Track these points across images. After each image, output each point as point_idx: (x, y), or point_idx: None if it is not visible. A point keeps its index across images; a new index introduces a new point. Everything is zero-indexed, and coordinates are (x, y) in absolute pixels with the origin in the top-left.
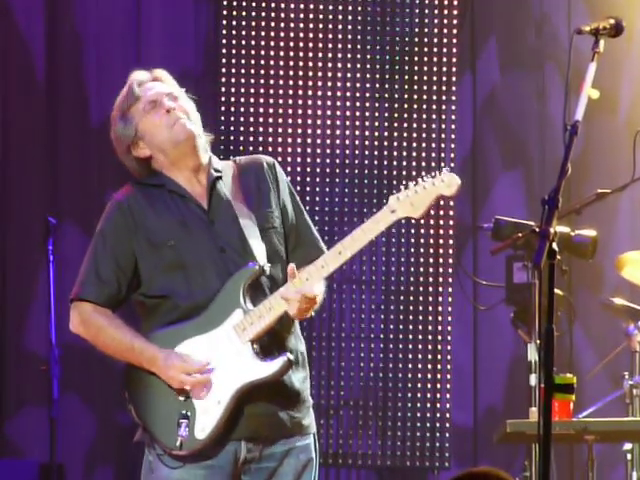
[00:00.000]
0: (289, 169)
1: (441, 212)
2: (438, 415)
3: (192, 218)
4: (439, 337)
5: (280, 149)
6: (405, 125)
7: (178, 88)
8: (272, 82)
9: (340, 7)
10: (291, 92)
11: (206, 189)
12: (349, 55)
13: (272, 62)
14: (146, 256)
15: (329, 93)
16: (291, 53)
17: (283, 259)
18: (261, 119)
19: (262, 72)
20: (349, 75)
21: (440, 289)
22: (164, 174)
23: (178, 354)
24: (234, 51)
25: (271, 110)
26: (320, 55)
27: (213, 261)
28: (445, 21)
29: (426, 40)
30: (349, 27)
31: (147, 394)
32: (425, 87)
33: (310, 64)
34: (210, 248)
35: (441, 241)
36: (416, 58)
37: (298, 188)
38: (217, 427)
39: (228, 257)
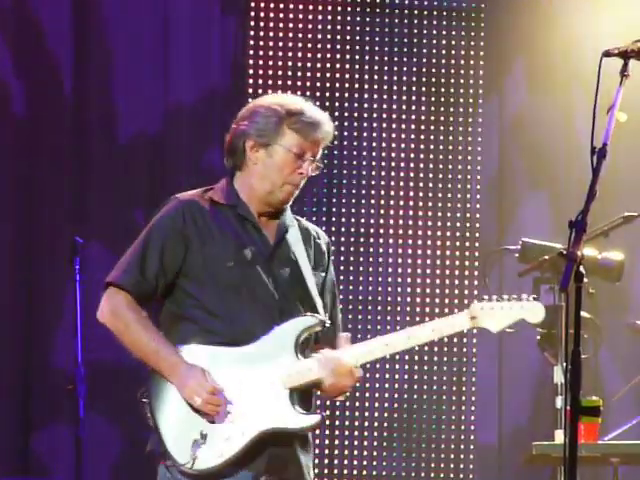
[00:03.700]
0: (315, 189)
1: (467, 233)
2: (463, 437)
3: (255, 247)
4: (464, 359)
5: None
6: (432, 146)
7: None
8: (299, 96)
9: (367, 28)
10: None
11: (276, 229)
12: (376, 76)
13: (299, 82)
14: (197, 269)
15: (356, 114)
16: (318, 74)
17: None
18: None
19: (289, 91)
20: (376, 96)
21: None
22: (240, 197)
23: (202, 369)
24: (261, 69)
25: None
26: (347, 76)
27: (268, 296)
28: (472, 42)
29: (453, 62)
30: (376, 48)
31: (169, 404)
32: (452, 108)
33: (337, 84)
34: (266, 282)
35: (467, 262)
36: (443, 80)
37: (324, 209)
38: (235, 457)
39: (285, 299)
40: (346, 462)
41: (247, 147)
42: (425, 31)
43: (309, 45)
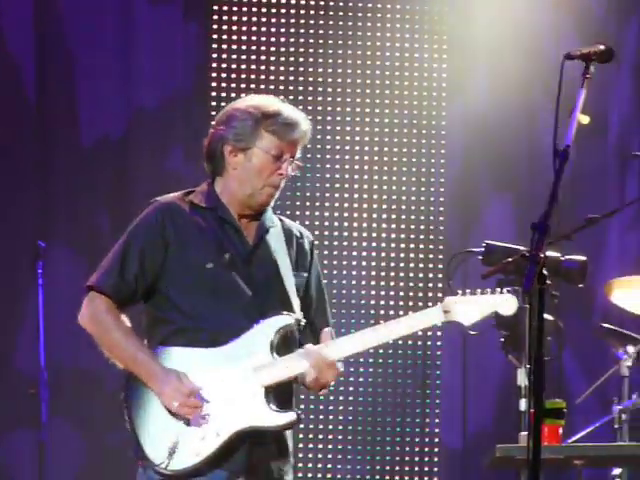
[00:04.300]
0: (281, 193)
1: (431, 236)
2: (427, 439)
3: (234, 249)
4: (429, 361)
5: None
6: (395, 149)
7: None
8: None
9: (330, 31)
10: None
11: (256, 230)
12: (339, 79)
13: (262, 84)
14: (176, 271)
15: (319, 117)
16: (281, 76)
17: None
18: None
19: (253, 89)
20: (339, 99)
21: None
22: (220, 200)
23: (178, 373)
24: (224, 72)
25: None
26: (310, 78)
27: (246, 297)
28: (435, 45)
29: (417, 64)
30: (339, 51)
31: (146, 404)
32: (415, 110)
33: (300, 87)
34: (245, 284)
35: (431, 265)
36: (406, 82)
37: (288, 212)
38: (211, 456)
39: (263, 299)
40: (311, 465)
41: (225, 152)
42: (389, 33)
43: (272, 48)
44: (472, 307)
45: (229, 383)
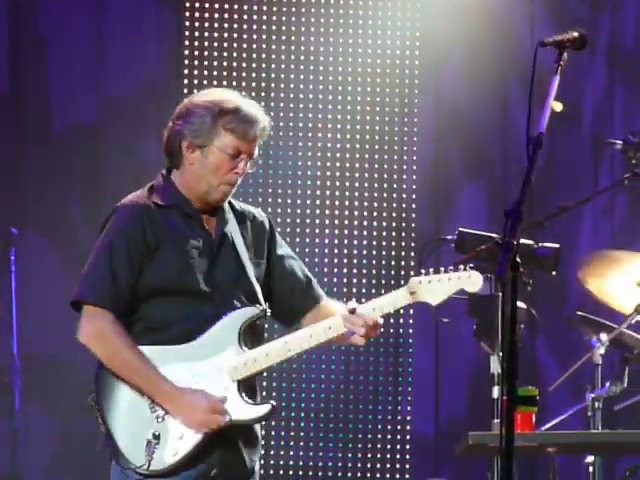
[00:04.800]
0: (251, 181)
1: (403, 224)
2: (399, 427)
3: (201, 246)
4: (401, 349)
5: None
6: (368, 137)
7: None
8: (235, 88)
9: (303, 19)
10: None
11: (216, 225)
12: (312, 67)
13: (235, 72)
14: (149, 273)
15: (292, 105)
16: (254, 64)
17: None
18: None
19: (225, 77)
20: (312, 87)
21: None
22: (182, 194)
23: (200, 392)
24: (197, 60)
25: None
26: (283, 66)
27: (216, 292)
28: (408, 33)
29: (389, 52)
30: (312, 38)
31: (119, 406)
32: (388, 98)
33: (273, 75)
34: (210, 279)
35: (403, 253)
36: (379, 70)
37: (259, 199)
38: (190, 454)
39: (228, 292)
40: (282, 452)
41: (183, 147)
42: (361, 21)
43: (245, 36)
44: (437, 286)
45: (201, 379)
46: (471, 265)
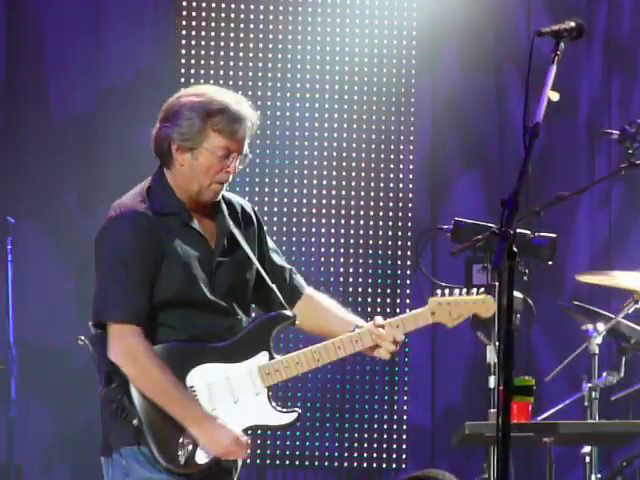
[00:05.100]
0: (248, 170)
1: (400, 213)
2: (395, 417)
3: (203, 256)
4: None
5: None
6: (365, 126)
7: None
8: (231, 82)
9: (300, 8)
10: (250, 92)
11: (217, 232)
12: (308, 56)
13: (231, 62)
14: (161, 281)
15: (288, 93)
16: (250, 53)
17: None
18: None
19: (222, 66)
20: (308, 76)
21: (399, 290)
22: (180, 201)
23: (226, 428)
24: (192, 50)
25: None
26: (279, 55)
27: (228, 298)
28: (405, 22)
29: (386, 41)
30: (309, 28)
31: (154, 411)
32: (384, 88)
33: (269, 64)
34: (222, 286)
35: (400, 242)
36: (376, 59)
37: (256, 189)
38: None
39: (243, 296)
40: (279, 442)
41: (172, 149)
42: (358, 11)
43: (242, 25)
44: (453, 309)
45: (236, 381)
46: (484, 291)
